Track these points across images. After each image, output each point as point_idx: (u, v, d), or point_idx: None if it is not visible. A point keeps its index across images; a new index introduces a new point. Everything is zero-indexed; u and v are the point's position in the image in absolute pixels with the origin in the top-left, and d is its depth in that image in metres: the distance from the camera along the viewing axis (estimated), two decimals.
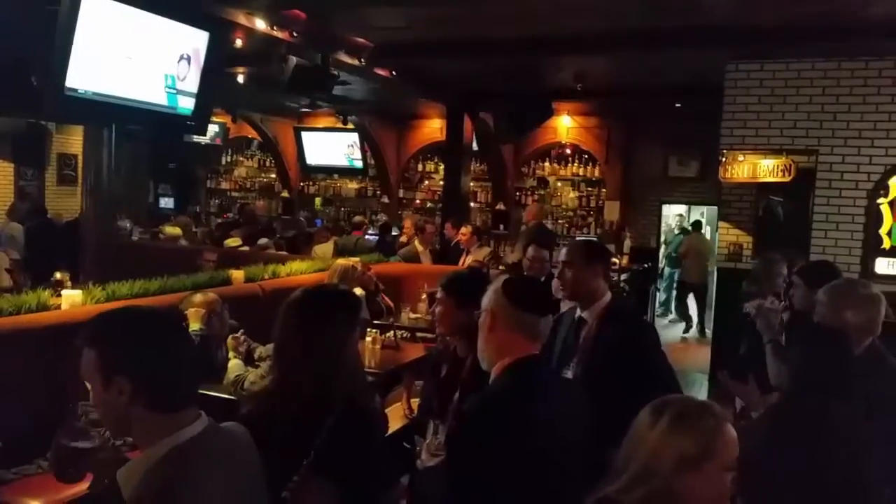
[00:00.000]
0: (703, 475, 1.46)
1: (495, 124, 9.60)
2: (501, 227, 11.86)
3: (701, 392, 7.19)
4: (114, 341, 1.48)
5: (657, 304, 11.24)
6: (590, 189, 11.92)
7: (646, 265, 10.50)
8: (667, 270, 11.41)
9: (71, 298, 3.77)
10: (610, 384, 2.41)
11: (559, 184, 12.14)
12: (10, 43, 4.49)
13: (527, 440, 1.86)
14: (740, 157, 6.63)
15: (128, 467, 1.49)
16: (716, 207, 8.46)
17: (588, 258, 2.82)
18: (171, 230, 9.09)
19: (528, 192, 12.23)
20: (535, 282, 3.08)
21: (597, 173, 11.72)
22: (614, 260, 9.86)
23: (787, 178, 6.46)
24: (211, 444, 1.51)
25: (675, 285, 11.20)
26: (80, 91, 4.48)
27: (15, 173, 10.86)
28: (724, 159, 6.68)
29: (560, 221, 12.02)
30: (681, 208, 11.97)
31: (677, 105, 9.77)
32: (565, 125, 11.41)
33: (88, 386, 1.51)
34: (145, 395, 1.46)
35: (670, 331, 10.79)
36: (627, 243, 10.72)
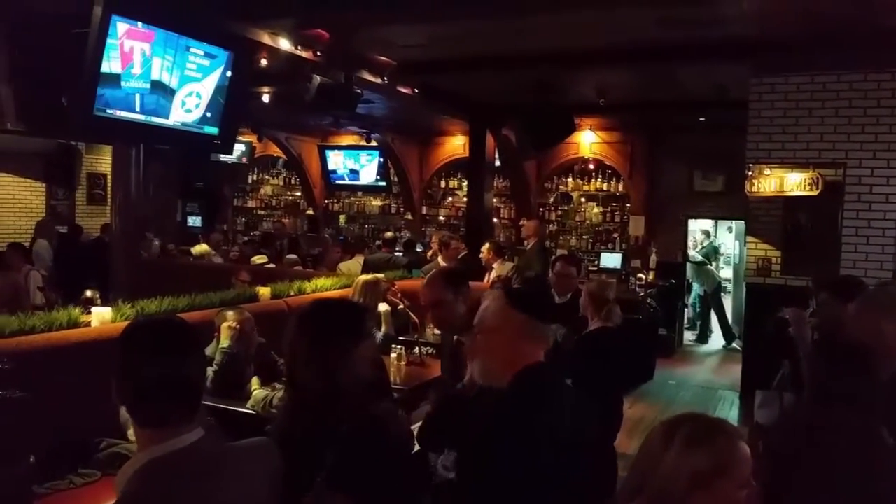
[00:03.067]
0: (717, 493, 1.44)
1: (517, 140, 9.61)
2: (525, 242, 11.83)
3: (732, 411, 7.08)
4: (118, 352, 1.54)
5: (686, 320, 11.12)
6: (614, 204, 11.85)
7: (672, 281, 10.40)
8: (694, 286, 11.30)
9: (100, 316, 3.83)
10: None
11: (582, 199, 12.09)
12: (42, 65, 4.60)
13: (543, 447, 1.85)
14: (767, 171, 6.56)
15: (120, 472, 1.55)
16: (743, 222, 8.37)
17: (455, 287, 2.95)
18: (199, 249, 9.24)
19: (552, 208, 12.20)
20: (537, 288, 3.11)
21: (621, 188, 11.66)
22: (640, 276, 9.80)
23: (815, 192, 6.37)
24: (194, 459, 1.51)
25: (700, 299, 11.11)
26: (109, 111, 4.58)
27: (47, 192, 11.11)
28: (750, 173, 6.61)
29: (584, 237, 11.97)
30: (707, 223, 11.87)
31: (701, 119, 9.71)
32: (588, 140, 11.38)
33: None
34: (132, 411, 1.53)
35: (701, 346, 10.70)
36: (653, 259, 10.63)
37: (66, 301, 5.03)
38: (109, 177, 11.54)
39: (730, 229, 12.48)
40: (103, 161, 11.64)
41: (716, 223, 12.27)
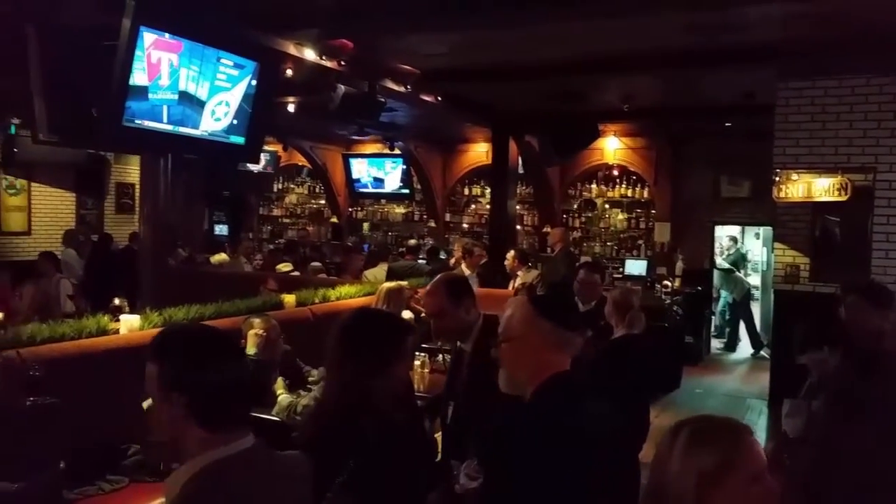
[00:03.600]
0: (729, 490, 1.41)
1: (540, 147, 9.60)
2: (549, 249, 11.80)
3: (760, 420, 6.98)
4: (173, 358, 1.53)
5: (713, 328, 10.99)
6: (638, 210, 11.77)
7: (699, 288, 10.29)
8: (722, 293, 11.18)
9: (129, 323, 3.89)
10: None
11: (607, 206, 12.03)
12: (72, 77, 4.69)
13: (568, 457, 1.83)
14: (794, 177, 6.47)
15: (173, 476, 1.54)
16: (771, 228, 8.26)
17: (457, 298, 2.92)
18: (218, 258, 9.39)
19: (575, 215, 12.16)
20: (563, 296, 3.08)
21: (646, 194, 11.59)
22: (666, 283, 9.71)
23: (844, 197, 6.27)
24: (251, 464, 1.53)
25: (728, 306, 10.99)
26: (137, 122, 4.66)
27: (77, 202, 11.32)
28: (777, 179, 6.53)
29: (608, 244, 11.89)
30: (734, 229, 11.73)
31: (727, 124, 9.62)
32: (612, 146, 11.33)
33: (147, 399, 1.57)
34: (198, 411, 1.50)
35: (729, 354, 10.57)
36: (679, 265, 10.52)
37: (95, 309, 5.12)
38: (138, 186, 11.74)
39: (757, 235, 12.31)
40: (132, 171, 11.83)
41: (743, 229, 12.12)
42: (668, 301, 9.32)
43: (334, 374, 2.06)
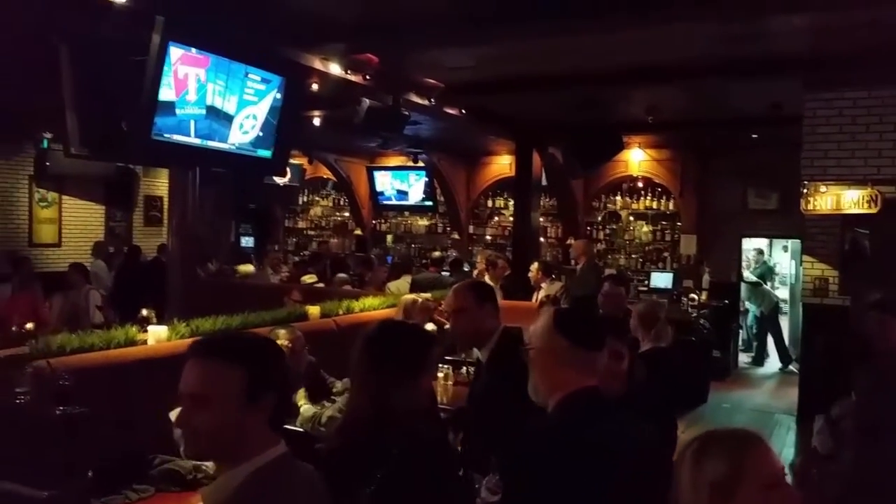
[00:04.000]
0: (742, 499, 1.38)
1: (564, 159, 9.58)
2: (573, 262, 11.74)
3: (789, 436, 6.85)
4: (262, 362, 1.58)
5: (740, 342, 10.84)
6: (664, 223, 11.68)
7: (726, 301, 10.16)
8: (750, 307, 11.03)
9: (156, 334, 3.94)
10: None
11: (631, 218, 11.95)
12: (103, 92, 4.79)
13: (580, 474, 1.80)
14: (823, 189, 6.39)
15: (214, 486, 1.57)
16: (799, 240, 8.15)
17: (480, 299, 2.92)
18: (244, 269, 9.50)
19: (599, 227, 12.10)
20: (588, 313, 3.04)
21: (671, 206, 11.49)
22: (693, 296, 9.60)
23: (874, 209, 6.17)
24: (290, 468, 1.59)
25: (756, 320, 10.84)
26: (165, 136, 4.74)
27: (106, 214, 11.52)
28: (805, 191, 6.45)
29: (633, 256, 11.81)
30: (761, 242, 11.58)
31: (754, 135, 9.53)
32: (637, 158, 11.27)
33: (188, 401, 1.56)
34: (276, 414, 1.57)
35: (757, 368, 10.42)
36: (706, 278, 10.41)
37: (123, 320, 5.20)
38: (166, 199, 11.93)
39: (785, 248, 12.16)
40: (160, 184, 12.02)
41: (770, 242, 11.96)
42: (694, 314, 9.23)
43: (360, 386, 2.06)
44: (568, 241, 11.71)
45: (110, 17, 4.48)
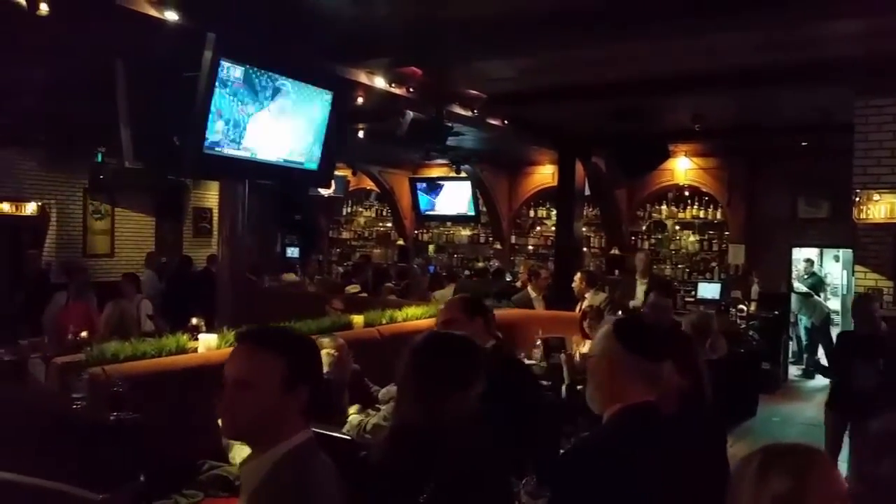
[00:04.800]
0: None
1: (608, 168, 9.51)
2: (616, 272, 11.62)
3: (842, 450, 6.63)
4: (300, 352, 1.71)
5: (790, 354, 10.57)
6: (711, 232, 11.48)
7: (775, 312, 9.93)
8: (801, 318, 10.76)
9: (207, 342, 4.03)
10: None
11: (677, 227, 11.78)
12: (156, 107, 4.95)
13: (628, 492, 1.78)
14: (876, 197, 6.20)
15: (250, 466, 1.67)
16: (851, 250, 7.93)
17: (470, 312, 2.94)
18: (288, 277, 9.72)
19: (644, 236, 11.95)
20: (649, 324, 2.99)
21: (718, 216, 11.30)
22: (741, 307, 9.41)
23: None
24: (317, 452, 1.70)
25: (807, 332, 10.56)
26: (217, 150, 4.86)
27: (157, 226, 11.84)
28: (857, 199, 6.27)
29: (680, 266, 11.63)
30: (812, 252, 11.29)
31: (804, 143, 9.32)
32: (683, 166, 11.12)
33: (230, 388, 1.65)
34: (312, 400, 1.67)
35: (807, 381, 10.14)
36: (755, 289, 10.18)
37: (174, 328, 5.32)
38: (215, 210, 12.21)
39: (836, 258, 11.82)
40: (209, 196, 12.33)
41: (821, 252, 11.65)
42: (743, 326, 9.03)
43: (409, 397, 2.05)
44: (612, 251, 11.61)
45: (164, 35, 4.63)
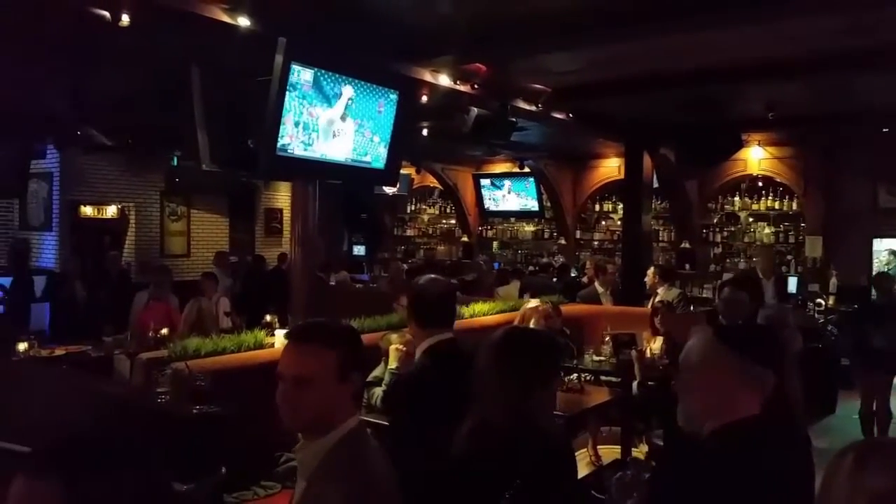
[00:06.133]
0: None
1: (678, 159, 9.29)
2: (687, 266, 11.35)
3: None
4: (350, 344, 1.78)
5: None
6: (786, 224, 11.08)
7: (856, 306, 9.51)
8: None
9: (283, 338, 4.13)
10: None
11: (751, 219, 11.41)
12: (230, 111, 5.11)
13: None
14: None
15: (306, 453, 1.73)
16: None
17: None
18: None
19: (716, 229, 11.62)
20: (756, 326, 2.81)
21: (794, 206, 10.90)
22: (819, 301, 9.06)
23: None
24: (368, 436, 1.79)
25: None
26: (288, 152, 4.99)
27: (230, 226, 12.22)
28: None
29: (754, 260, 11.27)
30: (894, 242, 10.76)
31: (885, 130, 8.90)
32: (756, 156, 10.76)
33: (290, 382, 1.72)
34: (359, 389, 1.79)
35: None
36: (833, 282, 9.78)
37: (248, 325, 5.49)
38: (285, 211, 12.53)
39: None
40: (280, 196, 12.66)
41: None
42: (821, 320, 8.70)
43: (491, 395, 2.04)
44: (683, 245, 11.33)
45: (236, 40, 4.78)
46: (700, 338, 1.83)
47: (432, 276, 2.91)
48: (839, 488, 1.35)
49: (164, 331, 6.34)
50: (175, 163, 10.22)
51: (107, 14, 4.39)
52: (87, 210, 10.52)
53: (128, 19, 4.42)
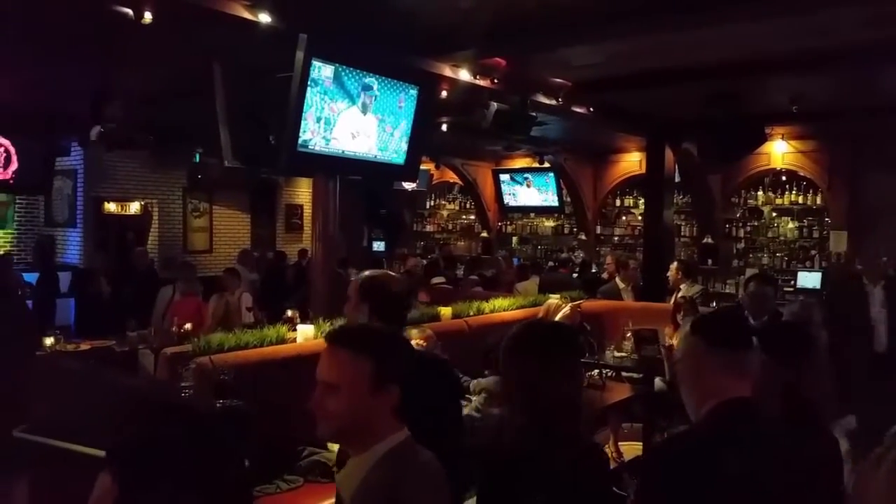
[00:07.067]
0: None
1: (700, 153, 9.19)
2: (710, 261, 11.24)
3: None
4: (392, 352, 1.70)
5: None
6: (810, 218, 10.94)
7: None
8: None
9: (305, 333, 4.18)
10: None
11: (774, 214, 11.28)
12: (252, 107, 5.13)
13: (715, 496, 1.70)
14: None
15: (346, 471, 1.68)
16: None
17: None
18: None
19: (739, 224, 11.50)
20: (726, 314, 2.84)
21: (819, 201, 10.75)
22: None
23: None
24: (414, 453, 1.68)
25: None
26: (309, 147, 5.01)
27: (251, 222, 12.31)
28: None
29: (777, 255, 11.14)
30: None
31: None
32: (780, 150, 10.62)
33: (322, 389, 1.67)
34: (401, 400, 1.65)
35: None
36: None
37: (270, 320, 5.52)
38: (305, 207, 12.59)
39: None
40: (300, 193, 12.73)
41: None
42: None
43: (516, 392, 2.02)
44: (705, 240, 11.21)
45: (258, 37, 4.80)
46: (682, 332, 1.97)
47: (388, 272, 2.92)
48: (879, 487, 1.31)
49: (188, 326, 6.42)
50: (197, 159, 10.30)
51: (129, 11, 4.42)
52: (111, 206, 10.65)
53: (150, 17, 4.45)
